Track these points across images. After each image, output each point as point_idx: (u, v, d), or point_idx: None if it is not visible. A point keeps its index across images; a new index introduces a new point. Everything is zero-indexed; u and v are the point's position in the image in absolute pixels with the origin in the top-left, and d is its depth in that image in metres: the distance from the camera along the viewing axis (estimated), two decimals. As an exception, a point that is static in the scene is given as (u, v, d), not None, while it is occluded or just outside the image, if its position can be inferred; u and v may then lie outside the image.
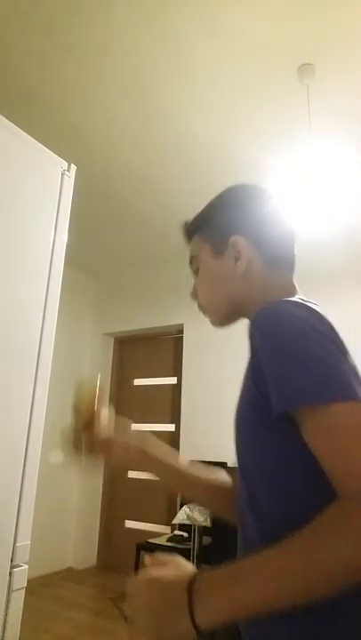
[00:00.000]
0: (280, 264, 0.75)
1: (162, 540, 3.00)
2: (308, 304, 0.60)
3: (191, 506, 2.59)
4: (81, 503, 4.09)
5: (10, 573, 1.09)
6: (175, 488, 0.85)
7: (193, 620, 0.48)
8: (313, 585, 0.45)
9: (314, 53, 1.92)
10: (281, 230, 0.76)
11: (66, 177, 1.46)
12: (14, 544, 1.12)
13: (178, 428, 3.80)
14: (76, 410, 0.87)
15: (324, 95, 2.11)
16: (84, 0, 1.74)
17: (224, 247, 0.76)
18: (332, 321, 0.58)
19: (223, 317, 0.79)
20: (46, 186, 1.40)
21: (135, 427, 0.88)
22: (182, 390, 3.81)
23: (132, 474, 4.08)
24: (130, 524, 4.00)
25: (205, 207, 0.83)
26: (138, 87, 2.15)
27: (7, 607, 1.08)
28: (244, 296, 0.75)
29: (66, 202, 1.44)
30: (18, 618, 1.11)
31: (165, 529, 3.63)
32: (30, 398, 1.22)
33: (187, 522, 2.58)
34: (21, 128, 1.35)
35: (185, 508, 2.62)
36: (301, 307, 0.58)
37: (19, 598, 1.11)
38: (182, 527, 2.94)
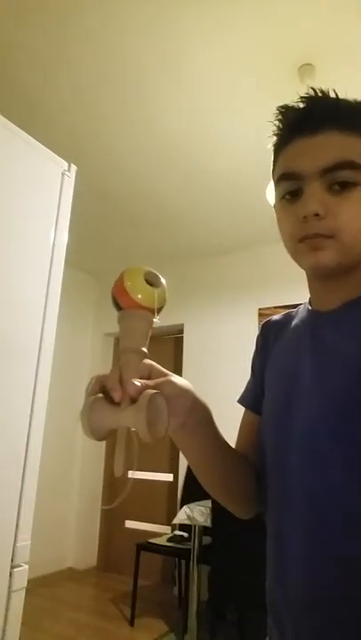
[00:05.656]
0: None
1: (162, 540, 3.00)
2: None
3: (191, 506, 2.59)
4: (81, 503, 4.09)
5: (10, 573, 1.10)
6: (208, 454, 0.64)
7: None
8: None
9: (314, 53, 1.92)
10: None
11: (66, 177, 1.46)
12: (14, 544, 1.12)
13: (178, 428, 3.79)
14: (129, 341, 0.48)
15: (325, 95, 2.11)
16: (85, 3, 1.74)
17: None
18: None
19: (350, 257, 0.60)
20: (46, 186, 1.40)
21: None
22: (182, 390, 3.80)
23: (131, 474, 4.08)
24: (130, 523, 3.99)
25: None
26: (138, 88, 2.15)
27: (7, 607, 1.08)
28: None
29: (66, 202, 1.44)
30: (18, 618, 1.11)
31: (165, 529, 3.63)
32: (31, 398, 1.22)
33: (187, 522, 2.58)
34: (22, 128, 1.35)
35: (185, 508, 2.61)
36: None
37: (19, 598, 1.12)
38: (182, 527, 2.94)
